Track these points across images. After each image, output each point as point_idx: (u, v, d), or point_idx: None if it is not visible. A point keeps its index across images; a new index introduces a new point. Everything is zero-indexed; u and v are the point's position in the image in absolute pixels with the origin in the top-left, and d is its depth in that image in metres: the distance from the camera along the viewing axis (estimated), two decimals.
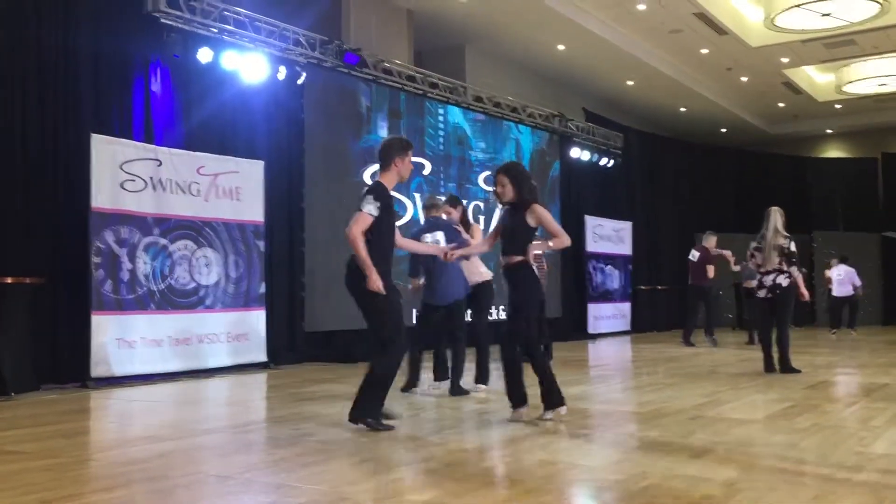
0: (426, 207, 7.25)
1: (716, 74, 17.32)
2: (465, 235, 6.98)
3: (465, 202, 11.77)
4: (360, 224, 4.99)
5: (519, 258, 5.43)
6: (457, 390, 6.81)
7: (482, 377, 7.07)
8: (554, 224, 5.49)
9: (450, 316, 6.92)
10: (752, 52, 15.64)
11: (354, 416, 5.06)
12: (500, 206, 5.77)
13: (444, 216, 7.12)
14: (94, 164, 7.80)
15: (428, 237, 6.85)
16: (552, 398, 5.40)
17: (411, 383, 6.99)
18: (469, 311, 7.25)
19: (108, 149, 7.97)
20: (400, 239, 5.53)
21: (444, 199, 7.56)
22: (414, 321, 7.14)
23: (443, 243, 6.69)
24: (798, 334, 13.42)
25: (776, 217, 8.33)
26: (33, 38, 7.82)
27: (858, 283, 15.86)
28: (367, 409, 5.05)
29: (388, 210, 5.16)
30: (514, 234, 5.45)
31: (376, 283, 4.95)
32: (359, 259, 4.99)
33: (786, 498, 3.44)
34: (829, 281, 16.11)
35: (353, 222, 5.01)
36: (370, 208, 5.02)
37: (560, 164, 15.48)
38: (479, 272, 7.22)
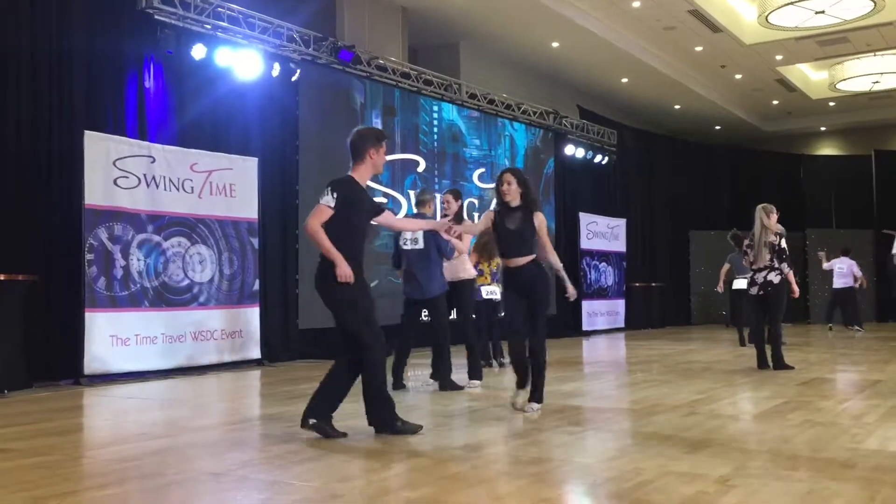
0: (418, 203, 7.31)
1: (710, 72, 17.35)
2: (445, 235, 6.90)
3: None
4: (317, 216, 4.65)
5: (533, 256, 5.60)
6: (448, 384, 6.86)
7: (475, 373, 7.11)
8: (547, 236, 5.69)
9: (432, 311, 6.97)
10: (746, 49, 15.67)
11: (373, 424, 4.86)
12: (494, 205, 5.77)
13: (442, 206, 7.19)
14: (87, 161, 7.78)
15: (408, 234, 6.90)
16: (540, 393, 5.70)
17: (396, 381, 6.94)
18: (454, 309, 7.31)
19: (101, 145, 7.95)
20: (395, 220, 5.66)
21: (432, 194, 7.61)
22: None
23: (420, 241, 6.83)
24: (792, 331, 13.47)
25: (761, 215, 8.36)
26: (26, 34, 7.79)
27: (859, 273, 15.87)
28: (381, 416, 4.81)
29: (352, 204, 4.74)
30: (522, 236, 5.59)
31: (345, 270, 4.59)
32: (323, 251, 4.64)
33: (779, 494, 3.45)
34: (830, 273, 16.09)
35: (311, 215, 4.70)
36: (326, 199, 4.67)
37: (554, 161, 15.48)
38: (464, 269, 7.33)
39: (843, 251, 16.10)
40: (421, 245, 6.83)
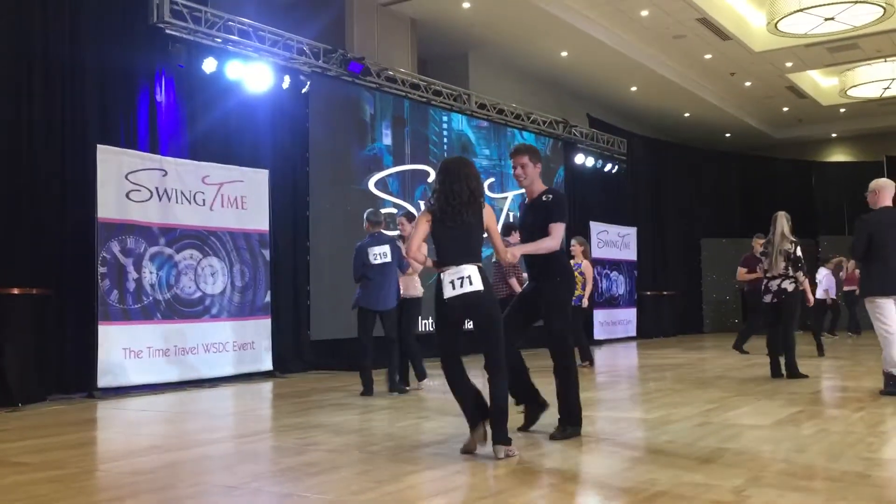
0: (373, 223, 7.75)
1: (719, 79, 17.33)
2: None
3: None
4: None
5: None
6: (395, 386, 7.58)
7: (422, 375, 7.80)
8: None
9: (389, 321, 7.61)
10: (756, 56, 15.64)
11: None
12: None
13: (397, 227, 7.88)
14: (100, 175, 7.83)
15: (377, 250, 7.49)
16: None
17: (369, 389, 7.53)
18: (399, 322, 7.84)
19: (113, 159, 8.00)
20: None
21: (386, 213, 8.19)
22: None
23: (388, 255, 7.47)
24: (805, 339, 13.37)
25: (782, 222, 8.30)
26: (40, 49, 7.87)
27: (826, 286, 15.96)
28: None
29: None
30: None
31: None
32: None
33: None
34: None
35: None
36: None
37: (564, 170, 15.48)
38: (415, 287, 7.94)
39: (825, 262, 16.37)
40: (388, 259, 7.50)
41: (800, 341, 8.89)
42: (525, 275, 9.76)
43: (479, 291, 4.51)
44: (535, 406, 5.29)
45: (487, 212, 4.70)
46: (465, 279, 4.50)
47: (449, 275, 4.53)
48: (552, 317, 5.03)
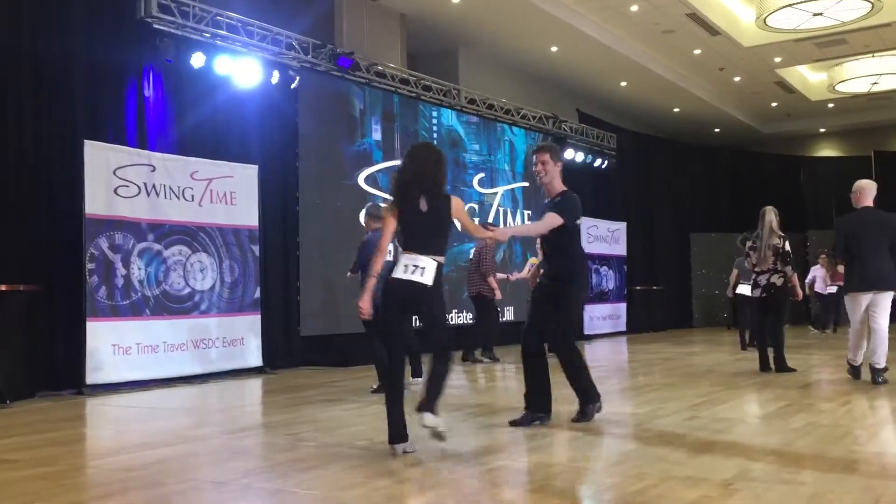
0: (374, 217, 7.44)
1: (709, 74, 17.37)
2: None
3: None
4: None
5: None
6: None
7: (417, 372, 7.54)
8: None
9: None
10: (745, 52, 15.69)
11: None
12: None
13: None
14: (87, 170, 7.79)
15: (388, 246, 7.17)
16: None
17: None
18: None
19: (101, 154, 7.96)
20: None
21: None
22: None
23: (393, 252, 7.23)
24: (793, 333, 13.46)
25: (771, 217, 8.34)
26: (27, 44, 7.82)
27: (809, 280, 16.13)
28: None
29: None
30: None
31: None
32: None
33: (783, 497, 3.44)
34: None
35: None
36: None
37: None
38: None
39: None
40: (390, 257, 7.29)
41: (788, 335, 8.95)
42: (501, 274, 10.10)
43: (424, 285, 4.44)
44: (539, 412, 5.37)
45: (456, 203, 4.70)
46: (419, 269, 4.45)
47: (406, 258, 4.50)
48: (554, 317, 5.36)
